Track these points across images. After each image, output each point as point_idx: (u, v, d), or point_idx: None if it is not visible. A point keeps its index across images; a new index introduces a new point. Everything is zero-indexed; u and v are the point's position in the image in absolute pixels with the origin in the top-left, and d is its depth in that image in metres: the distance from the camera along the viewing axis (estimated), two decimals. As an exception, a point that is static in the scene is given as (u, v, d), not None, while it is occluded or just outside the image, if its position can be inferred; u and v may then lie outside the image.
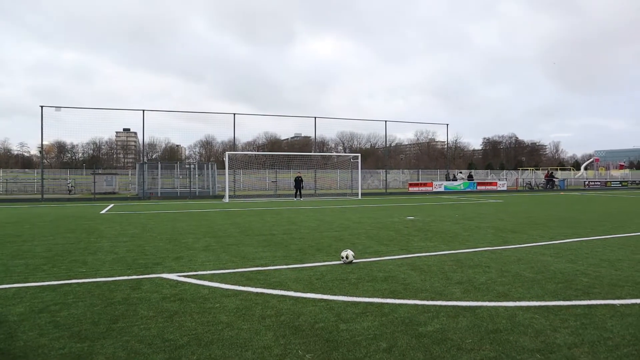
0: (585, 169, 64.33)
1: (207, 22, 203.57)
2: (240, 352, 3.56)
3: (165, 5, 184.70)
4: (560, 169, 64.96)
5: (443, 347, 3.61)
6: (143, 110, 30.37)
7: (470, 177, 43.54)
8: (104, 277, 6.20)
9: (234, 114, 32.65)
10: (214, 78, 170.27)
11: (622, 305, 4.75)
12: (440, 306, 4.73)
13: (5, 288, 5.63)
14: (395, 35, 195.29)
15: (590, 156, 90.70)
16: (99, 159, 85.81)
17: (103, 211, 18.21)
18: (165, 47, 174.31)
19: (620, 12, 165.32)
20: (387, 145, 42.53)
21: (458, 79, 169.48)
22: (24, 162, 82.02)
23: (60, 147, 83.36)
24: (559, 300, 4.94)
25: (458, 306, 4.73)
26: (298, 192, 28.26)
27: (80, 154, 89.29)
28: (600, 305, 4.75)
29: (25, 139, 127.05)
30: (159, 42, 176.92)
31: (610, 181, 49.75)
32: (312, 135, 37.16)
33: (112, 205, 22.49)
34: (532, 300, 4.91)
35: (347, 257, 7.02)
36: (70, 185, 37.36)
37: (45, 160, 73.39)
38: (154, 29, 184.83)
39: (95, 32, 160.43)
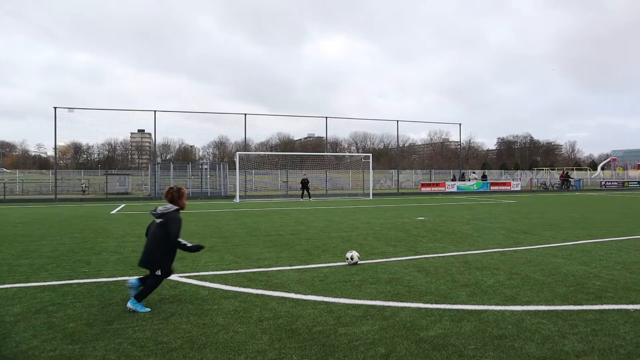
0: (602, 169, 63.16)
1: (217, 21, 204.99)
2: (234, 356, 3.45)
3: (174, 5, 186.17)
4: (576, 169, 63.89)
5: (444, 353, 3.45)
6: (154, 111, 30.56)
7: (484, 177, 43.03)
8: (106, 277, 6.16)
9: (245, 115, 32.68)
10: (224, 78, 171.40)
11: (636, 310, 4.54)
12: (444, 310, 4.57)
13: (6, 288, 5.61)
14: (406, 34, 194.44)
15: (607, 156, 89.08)
16: (114, 159, 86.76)
17: (114, 211, 18.32)
18: (175, 48, 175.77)
19: (638, 7, 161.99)
20: (400, 146, 42.26)
21: (471, 77, 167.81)
22: (41, 163, 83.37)
23: (76, 148, 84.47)
24: (569, 304, 4.74)
25: (463, 310, 4.56)
26: (306, 193, 28.22)
27: (95, 155, 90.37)
28: (613, 310, 4.54)
29: (42, 140, 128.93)
30: (169, 42, 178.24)
31: (628, 181, 48.71)
32: (324, 135, 37.05)
33: (123, 205, 22.65)
34: (541, 305, 4.72)
35: (352, 259, 6.89)
36: (84, 185, 37.79)
37: (61, 161, 74.47)
38: (163, 30, 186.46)
39: (105, 33, 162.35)
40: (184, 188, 5.01)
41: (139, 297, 4.63)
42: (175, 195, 4.85)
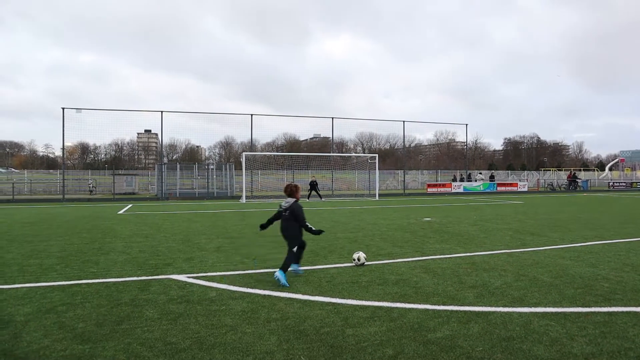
0: (610, 169, 62.71)
1: (221, 22, 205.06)
2: (242, 356, 3.47)
3: (179, 6, 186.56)
4: (583, 170, 63.49)
5: (451, 355, 3.46)
6: (161, 112, 30.70)
7: (492, 178, 42.88)
8: (114, 277, 6.20)
9: (251, 115, 32.80)
10: (230, 79, 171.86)
11: (645, 312, 4.52)
12: (452, 311, 4.57)
13: (17, 288, 5.66)
14: (411, 33, 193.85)
15: (615, 156, 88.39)
16: (120, 159, 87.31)
17: (121, 211, 18.42)
18: (181, 48, 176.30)
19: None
20: (406, 146, 42.19)
21: (477, 77, 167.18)
22: (49, 163, 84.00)
23: (84, 148, 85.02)
24: (578, 306, 4.72)
25: (470, 311, 4.56)
26: (315, 194, 28.34)
27: (102, 155, 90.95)
28: (622, 312, 4.53)
29: (50, 141, 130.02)
30: (175, 43, 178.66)
31: (636, 182, 48.35)
32: (330, 136, 37.08)
33: (130, 205, 22.76)
34: (549, 306, 4.71)
35: (359, 260, 6.89)
36: (91, 185, 38.02)
37: (68, 162, 74.96)
38: (169, 30, 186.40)
39: (111, 34, 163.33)
40: (299, 185, 6.37)
41: (284, 268, 5.86)
42: (293, 190, 6.17)
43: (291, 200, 6.11)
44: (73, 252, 8.21)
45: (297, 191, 6.21)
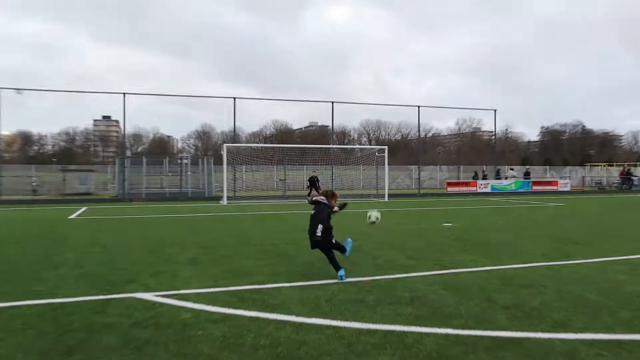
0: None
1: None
2: (222, 393, 3.45)
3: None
4: None
5: (480, 391, 3.44)
6: (124, 94, 30.67)
7: (527, 175, 42.96)
8: (64, 297, 6.16)
9: (234, 98, 32.85)
10: (209, 54, 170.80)
11: None
12: (479, 337, 4.56)
13: (-56, 309, 5.62)
14: None
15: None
16: (72, 152, 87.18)
17: (72, 216, 18.39)
18: (149, 16, 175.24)
19: None
20: (422, 136, 42.25)
21: (509, 52, 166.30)
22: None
23: (25, 138, 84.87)
24: (635, 333, 4.72)
25: (502, 337, 4.56)
26: (315, 193, 28.40)
27: (50, 147, 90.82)
28: (688, 339, 4.53)
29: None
30: (142, 10, 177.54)
31: None
32: (330, 124, 37.11)
33: (84, 208, 22.71)
34: (599, 332, 4.70)
35: (369, 218, 7.22)
36: (35, 184, 37.87)
37: (5, 154, 74.78)
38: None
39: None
40: (336, 193, 7.63)
41: (343, 252, 7.45)
42: (328, 194, 7.35)
43: (325, 202, 7.19)
44: (12, 267, 8.17)
45: (333, 197, 7.27)
